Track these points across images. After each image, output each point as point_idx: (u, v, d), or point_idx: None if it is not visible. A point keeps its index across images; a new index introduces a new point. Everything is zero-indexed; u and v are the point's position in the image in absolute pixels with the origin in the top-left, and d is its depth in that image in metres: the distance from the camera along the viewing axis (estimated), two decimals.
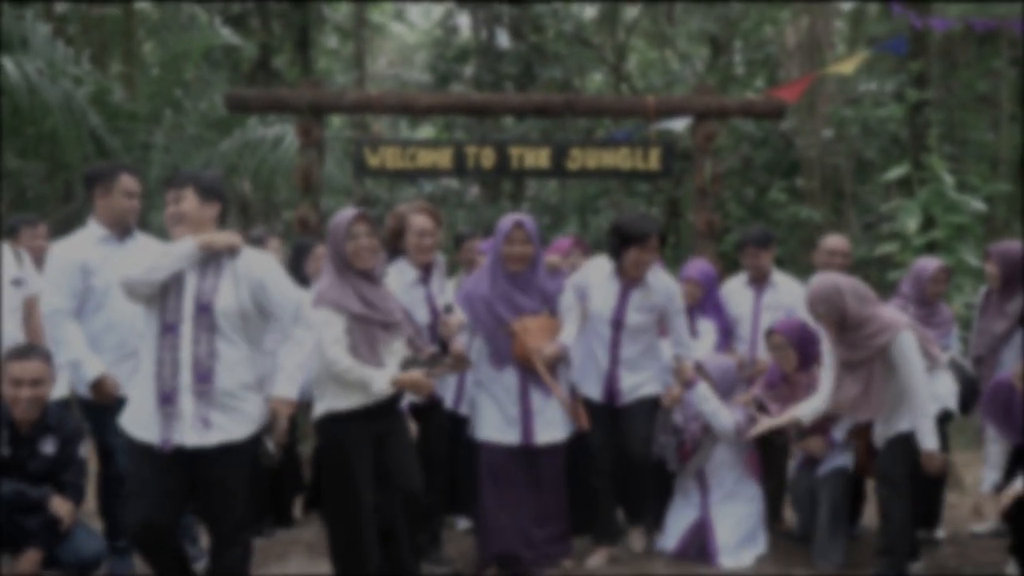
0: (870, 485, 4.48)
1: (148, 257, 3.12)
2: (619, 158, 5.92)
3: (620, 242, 4.12)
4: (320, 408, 3.48)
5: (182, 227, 3.17)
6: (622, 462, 4.29)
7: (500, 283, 4.02)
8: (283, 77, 12.31)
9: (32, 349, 3.67)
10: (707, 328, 4.68)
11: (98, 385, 3.67)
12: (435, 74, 11.99)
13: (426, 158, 5.87)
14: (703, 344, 4.61)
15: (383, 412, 3.48)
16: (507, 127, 11.40)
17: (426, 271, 4.14)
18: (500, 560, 4.01)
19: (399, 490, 3.51)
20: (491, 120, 11.08)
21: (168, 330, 3.08)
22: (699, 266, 4.85)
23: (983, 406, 4.20)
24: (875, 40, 10.50)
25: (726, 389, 4.31)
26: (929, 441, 3.81)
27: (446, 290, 4.32)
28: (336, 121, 13.78)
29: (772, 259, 4.90)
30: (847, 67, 6.09)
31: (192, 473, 3.11)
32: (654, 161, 5.90)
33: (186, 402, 3.06)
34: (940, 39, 9.09)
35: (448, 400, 4.39)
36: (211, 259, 3.16)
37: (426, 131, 14.57)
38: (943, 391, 4.03)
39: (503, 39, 12.00)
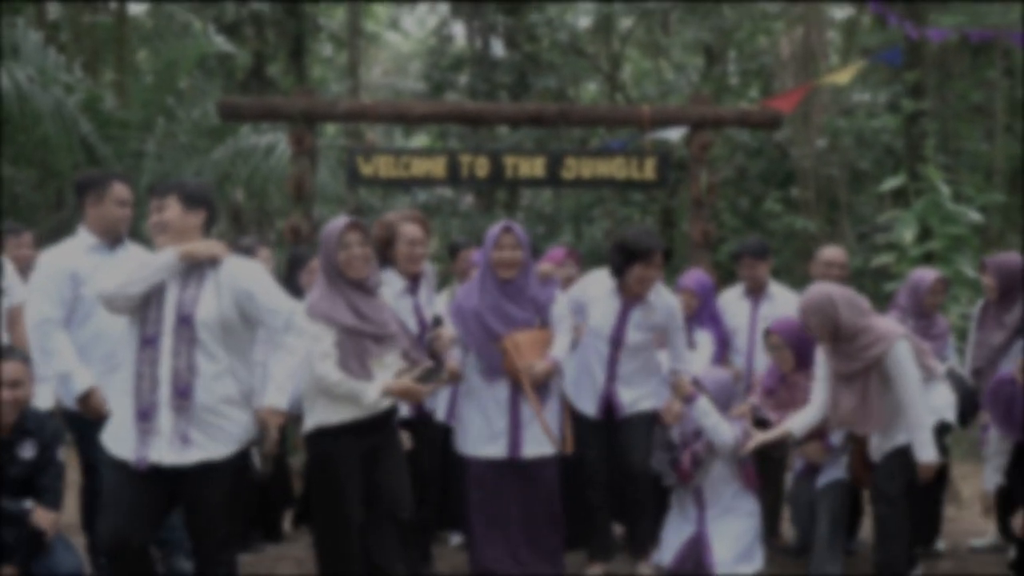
0: (867, 496, 4.43)
1: (126, 269, 3.04)
2: (614, 168, 5.89)
3: (625, 258, 4.04)
4: (310, 422, 3.41)
5: (165, 236, 3.09)
6: (621, 476, 4.22)
7: (490, 292, 3.93)
8: (277, 86, 12.27)
9: (10, 350, 3.57)
10: (704, 339, 4.64)
11: (86, 398, 3.59)
12: (429, 83, 11.96)
13: (420, 167, 5.83)
14: (700, 356, 4.56)
15: (375, 427, 3.41)
16: (501, 136, 11.37)
17: (414, 281, 4.08)
18: None
19: (385, 515, 3.43)
20: (485, 129, 11.05)
21: (147, 343, 2.99)
22: (696, 276, 4.81)
23: (985, 404, 4.16)
24: (869, 51, 10.51)
25: (723, 403, 4.26)
26: (926, 453, 3.76)
27: (435, 301, 4.27)
28: (330, 129, 13.75)
29: (769, 270, 4.87)
30: (843, 77, 6.08)
31: (171, 490, 3.03)
32: (649, 171, 5.87)
33: (164, 418, 2.97)
34: (934, 50, 9.09)
35: (441, 413, 4.33)
36: (193, 269, 3.07)
37: (420, 140, 14.55)
38: (941, 403, 3.99)
39: (497, 48, 11.99)
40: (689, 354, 4.40)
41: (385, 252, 4.07)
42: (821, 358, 4.01)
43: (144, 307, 3.01)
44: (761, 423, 4.33)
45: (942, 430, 4.00)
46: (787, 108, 6.00)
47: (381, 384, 3.31)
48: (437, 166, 5.84)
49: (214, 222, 3.22)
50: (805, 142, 9.66)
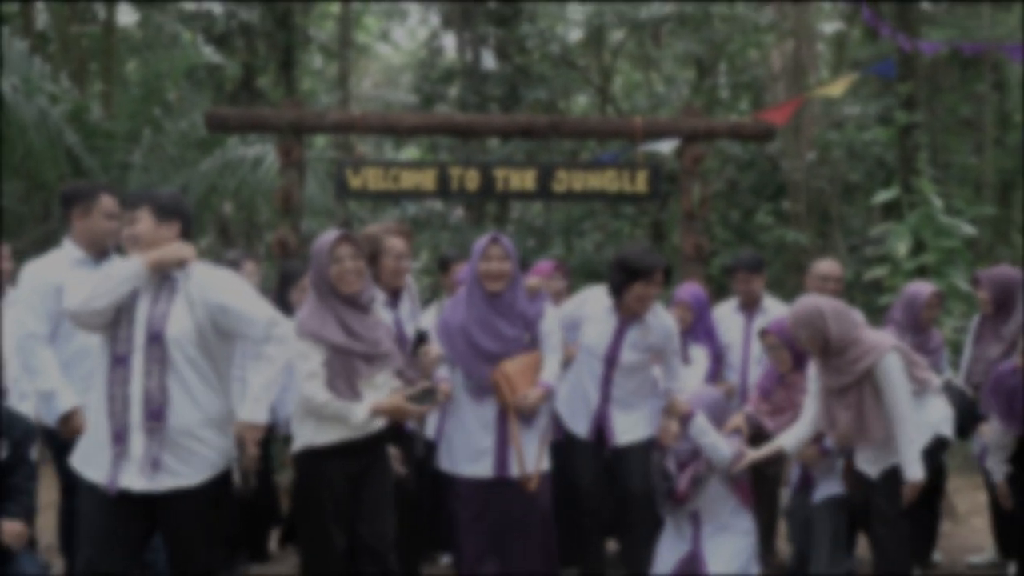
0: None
1: (91, 282, 2.90)
2: (606, 180, 5.84)
3: (625, 276, 3.97)
4: (298, 442, 3.30)
5: (138, 249, 2.97)
6: (618, 499, 4.14)
7: (477, 306, 3.83)
8: (267, 97, 12.20)
9: None
10: (699, 355, 4.58)
11: (68, 419, 3.49)
12: (420, 95, 11.92)
13: (409, 179, 5.77)
14: (695, 372, 4.50)
15: (365, 448, 3.30)
16: (491, 149, 11.32)
17: (395, 295, 4.01)
18: None
19: (366, 548, 3.31)
20: (475, 142, 11.01)
21: (118, 362, 2.86)
22: (691, 290, 4.74)
23: (985, 396, 4.10)
24: (860, 64, 10.53)
25: (716, 421, 4.20)
26: (913, 471, 3.68)
27: (420, 315, 4.19)
28: (320, 141, 13.68)
29: (764, 284, 4.81)
30: (836, 89, 6.06)
31: (149, 516, 2.91)
32: (641, 183, 5.82)
33: (136, 441, 2.84)
34: (924, 63, 9.11)
35: (430, 429, 4.24)
36: (164, 282, 2.94)
37: (410, 153, 14.50)
38: (936, 416, 3.91)
39: (488, 60, 11.96)
40: (684, 370, 4.33)
41: (369, 266, 3.99)
42: (813, 373, 3.95)
43: (115, 324, 2.88)
44: (756, 438, 4.27)
45: (939, 445, 3.94)
46: (780, 120, 5.96)
47: (370, 404, 3.20)
48: (427, 179, 5.78)
49: (189, 234, 3.10)
50: (796, 154, 9.65)
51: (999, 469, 4.19)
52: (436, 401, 3.42)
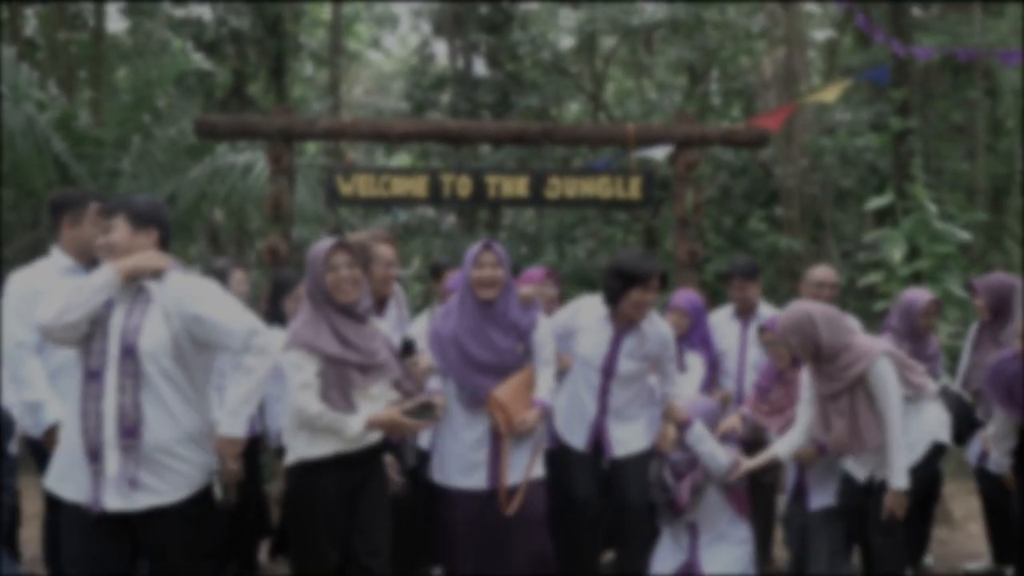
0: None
1: (62, 294, 2.79)
2: (599, 187, 5.80)
3: (622, 283, 3.90)
4: (291, 455, 3.21)
5: (113, 259, 2.86)
6: (616, 511, 4.07)
7: (470, 315, 3.75)
8: (257, 105, 12.15)
9: None
10: (695, 362, 4.52)
11: (53, 431, 3.41)
12: (411, 102, 11.88)
13: (400, 186, 5.71)
14: (691, 379, 4.44)
15: (361, 462, 3.20)
16: (483, 156, 11.29)
17: (381, 303, 3.95)
18: None
19: (361, 566, 3.22)
20: (467, 149, 10.97)
21: (92, 377, 2.75)
22: (687, 296, 4.69)
23: (986, 385, 4.07)
24: (851, 70, 10.54)
25: (711, 431, 4.16)
26: (897, 479, 3.63)
27: (406, 324, 4.13)
28: (311, 148, 13.63)
29: (759, 291, 4.77)
30: (830, 95, 6.03)
31: (132, 536, 2.81)
32: (635, 190, 5.78)
33: (111, 459, 2.74)
34: (918, 69, 9.12)
35: (424, 440, 4.17)
36: (139, 294, 2.84)
37: (402, 160, 14.46)
38: (932, 423, 3.86)
39: (480, 67, 11.93)
40: (680, 377, 4.28)
41: None
42: (806, 380, 3.91)
43: (88, 337, 2.79)
44: (754, 445, 4.23)
45: (937, 452, 3.89)
46: (773, 126, 5.94)
47: (365, 416, 3.12)
48: (418, 185, 5.73)
49: (168, 242, 3.01)
50: (789, 161, 9.65)
51: (1004, 462, 4.13)
52: (435, 417, 3.29)
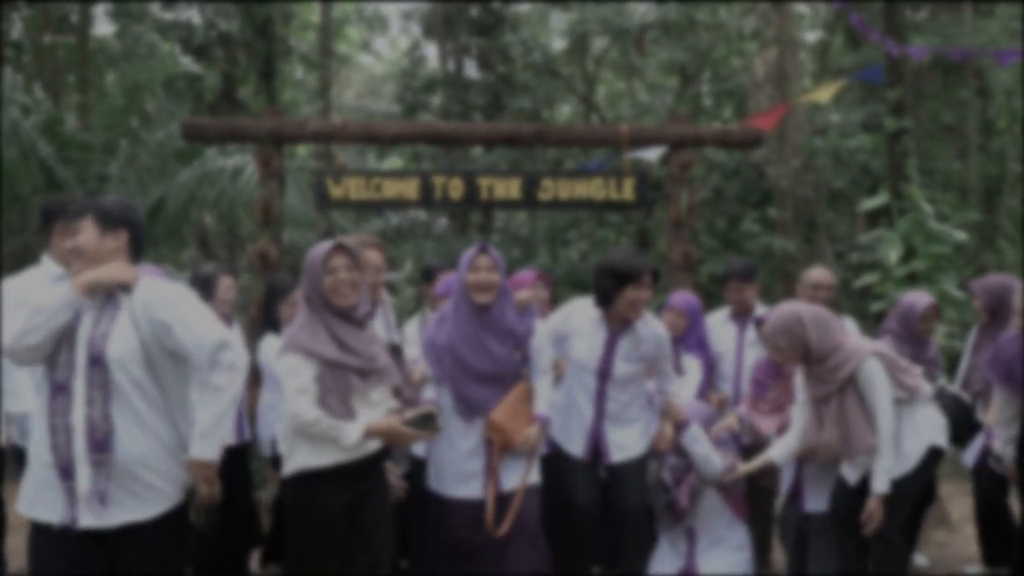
0: None
1: (20, 316, 2.63)
2: (592, 189, 5.73)
3: (614, 282, 3.81)
4: (289, 466, 3.08)
5: (81, 264, 2.72)
6: (614, 519, 3.99)
7: (465, 322, 3.67)
8: (247, 108, 12.08)
9: None
10: (692, 365, 4.46)
11: None
12: (402, 105, 11.82)
13: (391, 189, 5.64)
14: (688, 382, 4.39)
15: (363, 473, 3.09)
16: (475, 158, 11.24)
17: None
18: None
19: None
20: (459, 151, 10.92)
21: (59, 391, 2.61)
22: (684, 297, 4.62)
23: (986, 367, 4.03)
24: (844, 71, 10.53)
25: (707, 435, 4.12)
26: (880, 483, 3.56)
27: (393, 330, 4.06)
28: (302, 151, 13.56)
29: (756, 293, 4.72)
30: (823, 95, 5.99)
31: (106, 555, 2.66)
32: (628, 192, 5.72)
33: (82, 475, 2.58)
34: (911, 69, 9.11)
35: (419, 448, 4.10)
36: (108, 300, 2.70)
37: (393, 163, 14.40)
38: (927, 425, 3.77)
39: (471, 70, 11.88)
40: (677, 380, 4.22)
41: None
42: (801, 382, 3.86)
43: (55, 350, 2.65)
44: (752, 449, 4.18)
45: (934, 455, 3.82)
46: (767, 127, 5.89)
47: (364, 424, 3.00)
48: (409, 188, 5.66)
49: (140, 243, 2.86)
50: (781, 162, 9.63)
51: (1007, 451, 4.07)
52: (437, 429, 3.15)
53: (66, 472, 2.60)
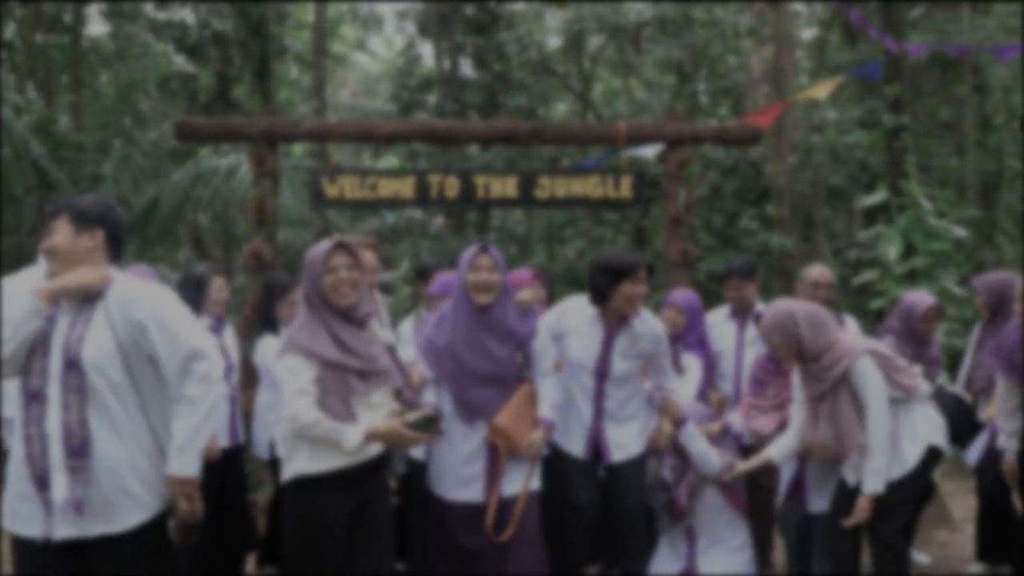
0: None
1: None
2: (589, 186, 5.70)
3: (610, 278, 3.75)
4: (289, 471, 3.01)
5: (56, 265, 2.63)
6: (614, 519, 3.95)
7: (465, 323, 3.61)
8: (242, 108, 12.01)
9: None
10: (692, 364, 4.40)
11: None
12: (398, 104, 11.76)
13: (387, 187, 5.60)
14: (688, 382, 4.34)
15: (365, 478, 3.02)
16: (471, 156, 11.18)
17: None
18: None
19: None
20: (455, 150, 10.86)
21: (33, 399, 2.51)
22: (684, 294, 4.57)
23: (989, 355, 4.01)
24: (839, 68, 10.50)
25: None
26: (871, 483, 3.51)
27: (387, 329, 4.01)
28: (297, 150, 13.50)
29: (756, 290, 4.66)
30: (821, 92, 5.94)
31: (84, 569, 2.56)
32: (626, 189, 5.68)
33: (58, 483, 2.48)
34: (910, 65, 9.07)
35: (420, 452, 4.05)
36: (84, 303, 2.61)
37: (390, 162, 14.35)
38: (924, 425, 3.70)
39: (466, 68, 11.82)
40: (677, 379, 4.17)
41: None
42: (798, 380, 3.81)
43: (28, 357, 2.56)
44: (750, 450, 4.14)
45: (932, 456, 3.75)
46: (765, 124, 5.85)
47: (364, 427, 2.93)
48: (405, 186, 5.61)
49: (120, 241, 2.76)
50: (778, 159, 9.59)
51: (1011, 445, 4.02)
52: (439, 432, 3.08)
53: (42, 483, 2.51)
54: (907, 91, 7.49)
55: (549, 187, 5.69)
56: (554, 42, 12.85)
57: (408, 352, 4.07)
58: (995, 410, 4.12)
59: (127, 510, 2.56)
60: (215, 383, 2.65)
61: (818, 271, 4.60)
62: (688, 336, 4.44)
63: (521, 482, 3.64)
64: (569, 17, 11.25)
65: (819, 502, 3.97)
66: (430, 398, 3.64)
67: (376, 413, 3.03)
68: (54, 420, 2.50)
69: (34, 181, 7.33)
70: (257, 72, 11.89)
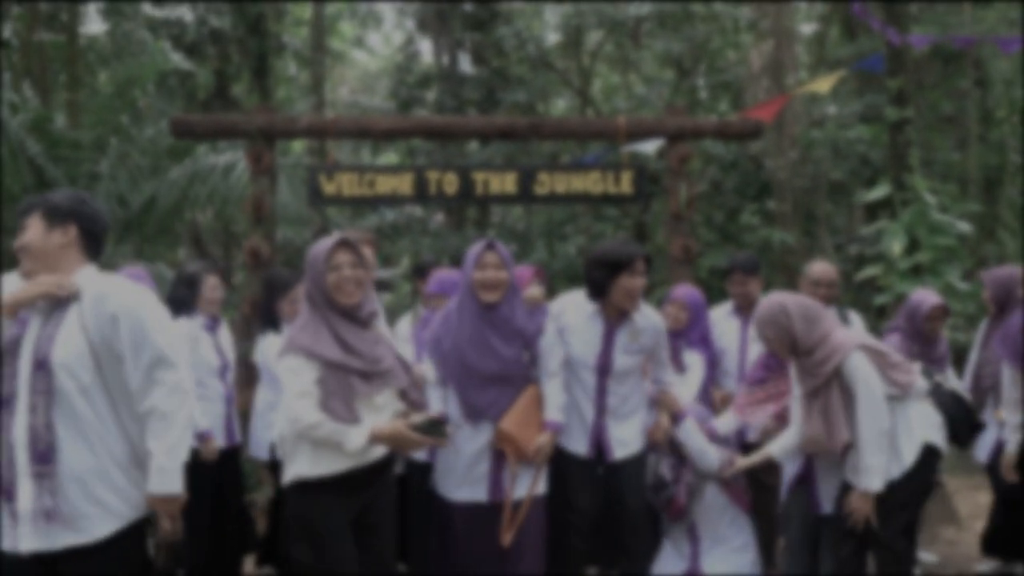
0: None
1: None
2: (589, 182, 5.64)
3: (607, 271, 3.67)
4: (290, 474, 2.92)
5: (29, 263, 2.56)
6: (615, 520, 3.89)
7: (471, 321, 3.54)
8: (241, 105, 11.96)
9: None
10: (694, 361, 4.34)
11: None
12: (397, 100, 11.70)
13: (385, 184, 5.54)
14: (691, 380, 4.28)
15: (369, 481, 2.95)
16: (470, 153, 11.13)
17: None
18: None
19: None
20: (454, 146, 10.81)
21: (2, 405, 2.41)
22: (687, 290, 4.51)
23: (996, 344, 3.98)
24: (839, 62, 10.44)
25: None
26: (866, 480, 3.43)
27: (384, 328, 3.95)
28: (296, 147, 13.44)
29: (760, 286, 4.60)
30: (823, 85, 5.88)
31: None
32: (626, 185, 5.63)
33: (24, 491, 2.37)
34: (913, 58, 9.02)
35: (422, 453, 4.00)
36: (56, 305, 2.51)
37: (388, 159, 14.29)
38: (920, 423, 3.61)
39: (465, 64, 11.76)
40: (678, 377, 4.12)
41: None
42: (794, 376, 3.76)
43: (1, 362, 2.47)
44: (749, 447, 4.09)
45: (931, 454, 3.63)
46: (766, 118, 5.79)
47: (368, 429, 2.84)
48: (404, 183, 5.56)
49: (97, 237, 2.67)
50: (779, 153, 9.53)
51: (1014, 438, 3.96)
52: (445, 435, 2.97)
53: (8, 493, 2.41)
54: (909, 84, 7.44)
55: (549, 183, 5.64)
56: (553, 38, 12.78)
57: (405, 351, 4.02)
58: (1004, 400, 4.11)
59: (97, 520, 2.45)
60: (186, 394, 2.54)
61: (820, 269, 4.51)
62: (691, 333, 4.37)
63: (527, 486, 3.59)
64: (568, 12, 11.19)
65: (830, 503, 3.92)
66: (434, 399, 3.58)
67: (380, 415, 2.95)
68: (20, 424, 2.40)
69: (31, 180, 7.28)
70: (255, 69, 11.84)
